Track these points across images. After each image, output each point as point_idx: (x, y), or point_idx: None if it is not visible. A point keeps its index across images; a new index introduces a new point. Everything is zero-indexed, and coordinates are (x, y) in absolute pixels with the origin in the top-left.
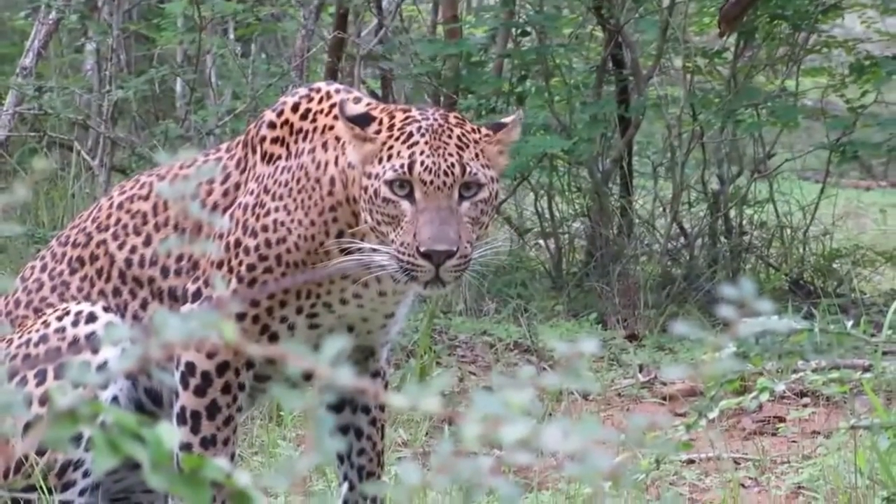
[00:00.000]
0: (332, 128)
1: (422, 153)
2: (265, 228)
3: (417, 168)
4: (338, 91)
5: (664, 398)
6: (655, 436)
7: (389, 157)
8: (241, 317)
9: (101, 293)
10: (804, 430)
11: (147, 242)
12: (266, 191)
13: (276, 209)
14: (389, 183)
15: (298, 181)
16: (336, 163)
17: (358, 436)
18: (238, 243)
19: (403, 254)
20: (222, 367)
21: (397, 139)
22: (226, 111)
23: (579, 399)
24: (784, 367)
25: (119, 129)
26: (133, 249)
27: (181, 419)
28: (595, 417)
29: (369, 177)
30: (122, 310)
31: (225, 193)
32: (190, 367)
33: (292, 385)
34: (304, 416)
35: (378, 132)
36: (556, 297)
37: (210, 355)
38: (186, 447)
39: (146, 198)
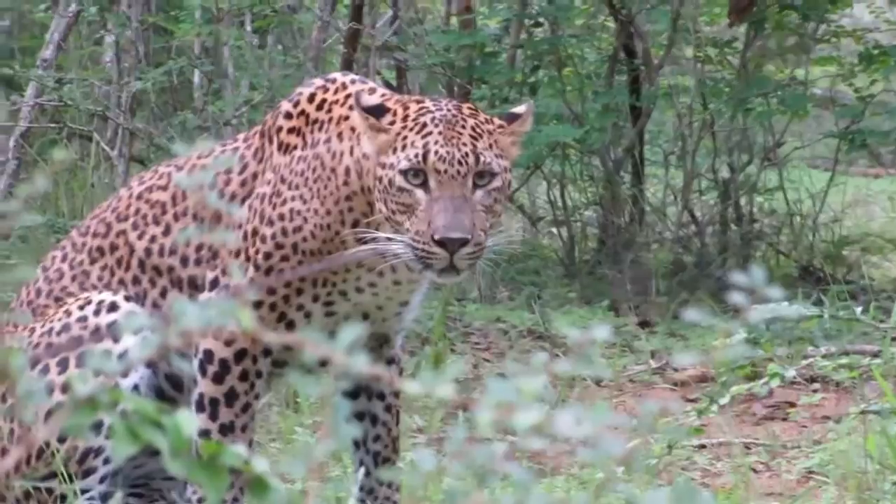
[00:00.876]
0: (347, 118)
1: (436, 143)
2: (282, 217)
3: (432, 157)
4: (353, 81)
5: (676, 384)
6: (667, 421)
7: (404, 147)
8: (257, 305)
9: (121, 282)
10: (814, 416)
11: (166, 232)
12: (282, 180)
13: (293, 198)
14: (404, 172)
15: (314, 171)
16: (351, 153)
17: (373, 422)
18: (255, 232)
19: (418, 242)
20: (240, 355)
21: (411, 129)
22: (243, 102)
23: (592, 385)
24: (794, 352)
25: (138, 120)
26: (152, 239)
27: (200, 406)
28: (607, 403)
29: (384, 167)
30: (141, 298)
31: (243, 183)
32: (208, 355)
33: (308, 372)
34: (321, 402)
35: (392, 123)
36: (568, 284)
37: (228, 343)
38: (205, 434)
39: (165, 188)
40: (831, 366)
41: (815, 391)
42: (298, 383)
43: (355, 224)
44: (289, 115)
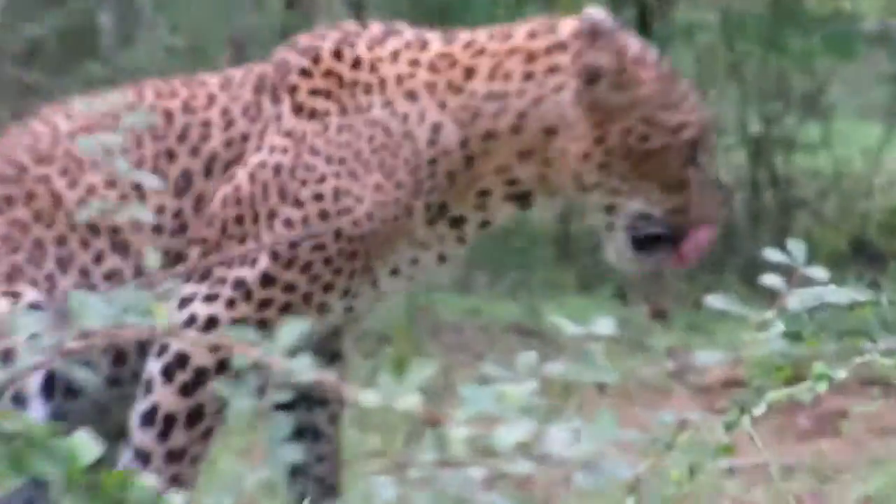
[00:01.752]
0: (411, 76)
1: (703, 108)
2: (320, 197)
3: (707, 126)
4: (386, 33)
5: (698, 390)
6: (688, 437)
7: (676, 108)
8: (265, 303)
9: (38, 241)
10: (872, 428)
11: (112, 184)
12: (315, 152)
13: (336, 175)
14: (685, 138)
15: (372, 140)
16: (439, 112)
17: (316, 438)
18: (272, 214)
19: (672, 221)
20: (222, 365)
21: (673, 86)
22: (162, 48)
23: (593, 392)
24: (846, 349)
25: (33, 72)
26: (91, 189)
27: (147, 420)
28: (612, 415)
29: (647, 121)
30: (65, 264)
31: (228, 143)
32: (180, 360)
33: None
34: (252, 419)
35: (638, 70)
36: (563, 267)
37: (213, 348)
38: (144, 458)
39: (111, 127)
40: (892, 365)
41: (872, 398)
42: (229, 395)
43: (433, 192)
44: (307, 73)
